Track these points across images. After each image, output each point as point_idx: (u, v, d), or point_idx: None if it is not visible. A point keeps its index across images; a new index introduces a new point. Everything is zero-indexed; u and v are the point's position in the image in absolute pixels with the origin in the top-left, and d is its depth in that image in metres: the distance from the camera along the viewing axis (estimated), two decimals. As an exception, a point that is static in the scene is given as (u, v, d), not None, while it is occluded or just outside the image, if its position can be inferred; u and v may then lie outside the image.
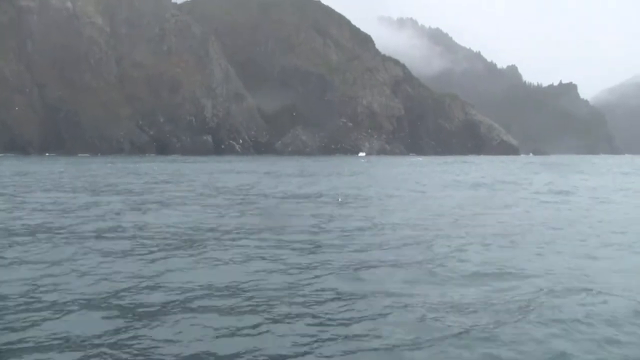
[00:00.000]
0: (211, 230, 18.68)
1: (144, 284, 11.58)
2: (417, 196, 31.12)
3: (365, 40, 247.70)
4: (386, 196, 30.74)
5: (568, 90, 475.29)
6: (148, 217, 21.81)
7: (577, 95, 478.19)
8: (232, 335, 8.93)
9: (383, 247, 15.71)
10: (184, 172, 62.13)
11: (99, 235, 17.61)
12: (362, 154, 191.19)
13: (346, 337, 8.93)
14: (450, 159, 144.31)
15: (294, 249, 15.33)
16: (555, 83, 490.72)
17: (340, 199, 28.06)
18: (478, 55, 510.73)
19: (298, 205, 26.46)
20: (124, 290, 11.19)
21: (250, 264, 13.49)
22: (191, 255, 14.51)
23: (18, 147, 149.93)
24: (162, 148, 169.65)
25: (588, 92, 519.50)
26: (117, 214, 22.95)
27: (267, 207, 25.43)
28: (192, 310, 9.93)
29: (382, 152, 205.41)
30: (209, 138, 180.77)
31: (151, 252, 14.89)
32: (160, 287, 11.36)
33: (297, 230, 18.43)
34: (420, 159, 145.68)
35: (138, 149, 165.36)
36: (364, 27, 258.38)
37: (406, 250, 15.37)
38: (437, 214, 22.92)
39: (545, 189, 38.12)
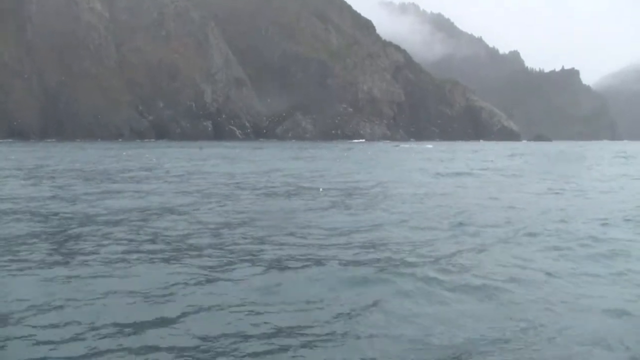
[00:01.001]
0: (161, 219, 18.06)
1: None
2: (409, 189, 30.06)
3: (366, 26, 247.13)
4: (373, 188, 29.77)
5: (570, 76, 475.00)
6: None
7: (580, 81, 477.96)
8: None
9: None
10: (174, 158, 61.63)
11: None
12: (360, 140, 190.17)
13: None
14: (444, 146, 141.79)
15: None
16: (558, 69, 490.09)
17: (321, 189, 27.59)
18: (480, 41, 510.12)
19: (275, 196, 25.75)
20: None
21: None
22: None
23: (17, 133, 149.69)
24: (162, 133, 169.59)
25: (590, 78, 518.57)
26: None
27: (238, 196, 24.83)
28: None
29: (383, 137, 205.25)
30: (209, 123, 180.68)
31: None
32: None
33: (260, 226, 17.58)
34: (407, 145, 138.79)
35: (138, 135, 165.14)
36: (365, 13, 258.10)
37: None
38: (414, 211, 20.69)
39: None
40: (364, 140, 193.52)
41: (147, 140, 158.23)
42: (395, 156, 75.66)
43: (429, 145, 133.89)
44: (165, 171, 39.82)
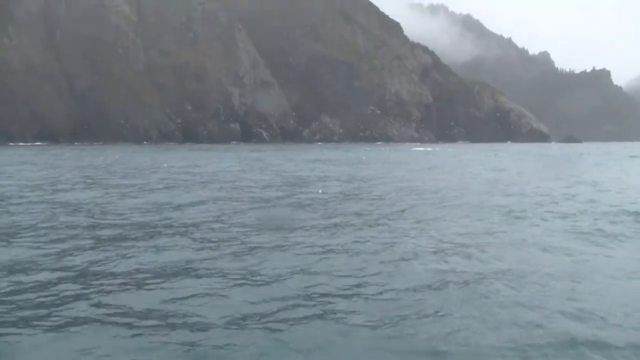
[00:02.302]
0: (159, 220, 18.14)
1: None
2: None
3: (393, 27, 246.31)
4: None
5: (601, 76, 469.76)
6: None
7: (611, 81, 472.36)
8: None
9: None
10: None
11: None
12: (378, 143, 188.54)
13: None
14: (469, 148, 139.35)
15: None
16: (588, 69, 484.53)
17: (320, 191, 27.66)
18: (509, 42, 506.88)
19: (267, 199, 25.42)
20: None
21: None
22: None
23: (47, 136, 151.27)
24: (190, 136, 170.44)
25: (621, 78, 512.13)
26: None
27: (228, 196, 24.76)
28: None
29: (410, 139, 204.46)
30: (237, 126, 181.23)
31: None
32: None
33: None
34: (430, 149, 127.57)
35: (166, 137, 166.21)
36: (395, 14, 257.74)
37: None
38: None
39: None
40: (380, 142, 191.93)
41: (174, 142, 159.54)
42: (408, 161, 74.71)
43: (449, 149, 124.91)
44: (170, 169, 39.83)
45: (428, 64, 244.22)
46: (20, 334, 8.26)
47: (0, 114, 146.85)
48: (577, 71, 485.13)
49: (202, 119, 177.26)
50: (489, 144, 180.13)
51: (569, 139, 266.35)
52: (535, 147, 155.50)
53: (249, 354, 7.60)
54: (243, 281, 10.86)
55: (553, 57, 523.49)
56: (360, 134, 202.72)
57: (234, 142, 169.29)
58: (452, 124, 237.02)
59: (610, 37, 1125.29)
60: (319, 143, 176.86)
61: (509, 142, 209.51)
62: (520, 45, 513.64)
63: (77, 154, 76.86)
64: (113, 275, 11.18)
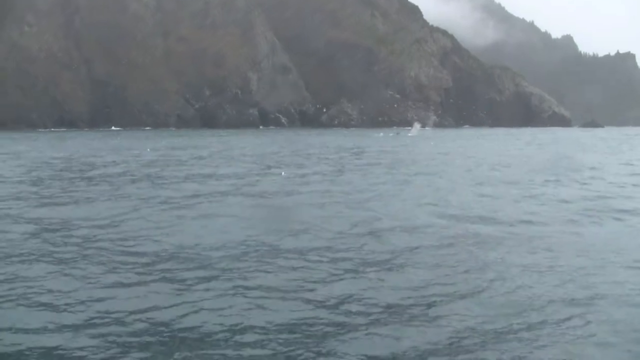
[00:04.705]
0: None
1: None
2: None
3: (413, 11, 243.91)
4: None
5: (625, 60, 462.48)
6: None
7: (635, 65, 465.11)
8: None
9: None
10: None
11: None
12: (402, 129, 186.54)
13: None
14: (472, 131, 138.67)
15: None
16: (612, 53, 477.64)
17: (283, 173, 29.88)
18: (532, 26, 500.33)
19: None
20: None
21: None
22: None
23: (67, 122, 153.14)
24: (208, 121, 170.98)
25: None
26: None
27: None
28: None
29: (431, 124, 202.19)
30: (255, 111, 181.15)
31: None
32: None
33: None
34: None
35: (185, 123, 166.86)
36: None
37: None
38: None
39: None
40: (394, 128, 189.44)
41: (193, 128, 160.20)
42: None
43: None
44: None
45: (448, 48, 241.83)
46: None
47: (20, 100, 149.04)
48: (600, 55, 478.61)
49: (220, 104, 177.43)
50: (506, 129, 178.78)
51: (590, 124, 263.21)
52: (552, 131, 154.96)
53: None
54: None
55: (576, 40, 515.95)
56: (380, 118, 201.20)
57: (252, 127, 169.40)
58: (473, 108, 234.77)
59: (635, 19, 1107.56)
60: (338, 128, 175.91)
61: (529, 127, 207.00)
62: (542, 29, 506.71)
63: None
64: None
